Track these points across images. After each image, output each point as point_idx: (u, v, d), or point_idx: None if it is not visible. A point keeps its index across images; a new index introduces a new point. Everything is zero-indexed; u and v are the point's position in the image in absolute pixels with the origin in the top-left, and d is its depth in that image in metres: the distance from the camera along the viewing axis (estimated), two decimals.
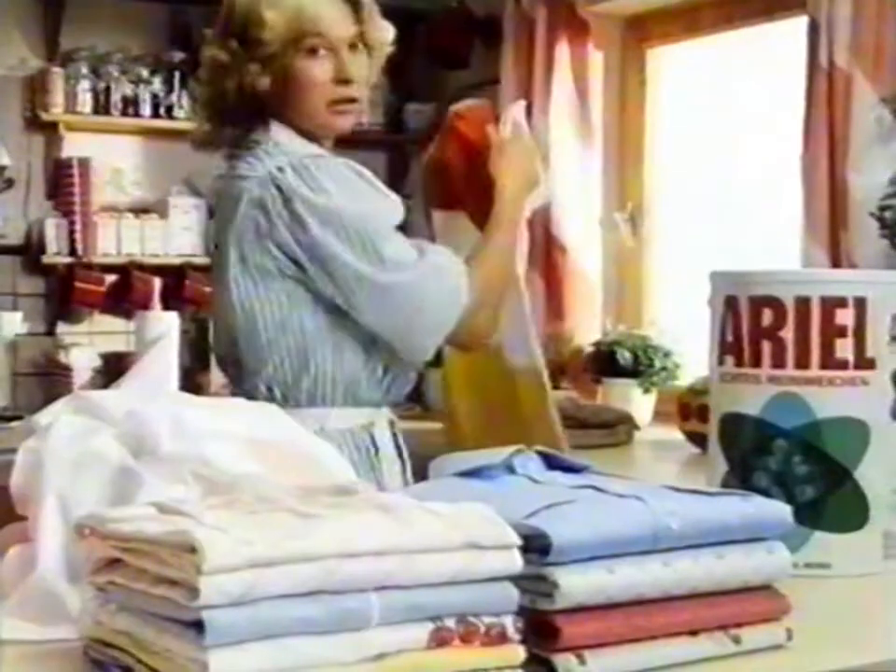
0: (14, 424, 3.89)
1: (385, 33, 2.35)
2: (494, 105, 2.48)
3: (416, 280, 2.18)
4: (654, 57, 4.62)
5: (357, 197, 2.19)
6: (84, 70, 4.95)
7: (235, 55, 2.27)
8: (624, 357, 3.94)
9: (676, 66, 4.59)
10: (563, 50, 4.49)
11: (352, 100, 2.28)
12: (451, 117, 2.41)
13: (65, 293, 4.98)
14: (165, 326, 3.43)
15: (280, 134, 2.28)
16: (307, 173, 2.17)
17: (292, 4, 2.22)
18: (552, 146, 4.44)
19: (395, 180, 5.27)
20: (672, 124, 4.57)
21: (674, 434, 3.42)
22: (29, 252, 4.99)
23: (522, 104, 2.51)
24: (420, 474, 2.05)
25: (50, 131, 4.97)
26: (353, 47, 2.26)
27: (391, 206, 2.24)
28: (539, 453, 1.47)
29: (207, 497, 1.38)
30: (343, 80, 2.23)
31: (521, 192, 2.44)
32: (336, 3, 2.24)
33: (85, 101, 4.94)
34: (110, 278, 5.02)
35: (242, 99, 2.29)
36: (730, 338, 1.74)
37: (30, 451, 1.53)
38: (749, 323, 1.72)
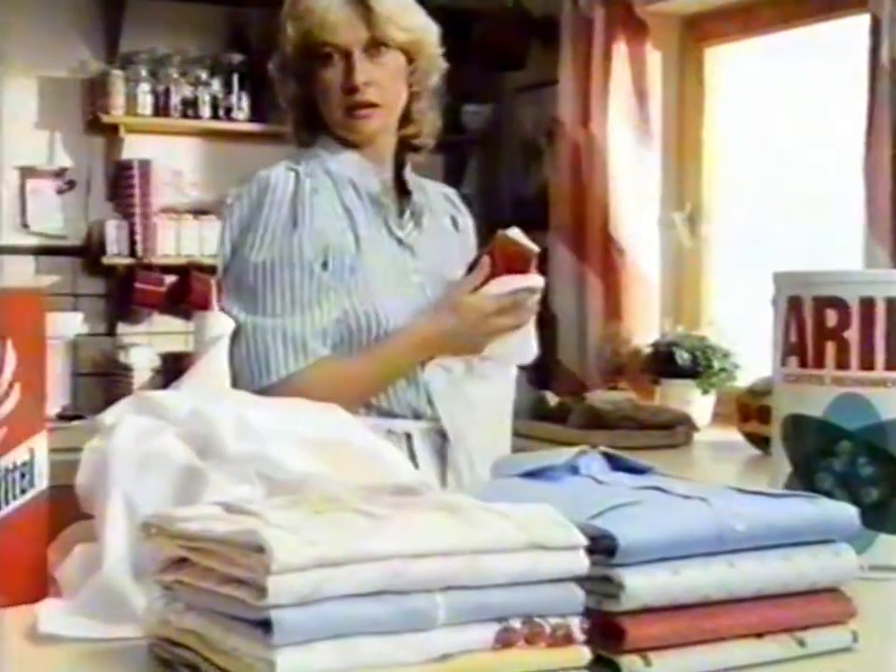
0: (75, 423, 3.92)
1: (412, 34, 2.30)
2: (532, 251, 2.23)
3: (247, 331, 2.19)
4: (713, 56, 4.60)
5: (256, 243, 2.21)
6: (144, 72, 4.99)
7: (277, 68, 2.35)
8: (683, 357, 3.92)
9: (734, 65, 4.56)
10: (621, 50, 4.48)
11: (370, 104, 2.26)
12: (497, 238, 2.28)
13: (125, 294, 5.02)
14: (223, 326, 3.44)
15: (321, 141, 2.33)
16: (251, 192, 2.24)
17: (304, 13, 2.25)
18: (610, 146, 4.43)
19: (452, 181, 5.28)
20: (731, 123, 4.54)
21: (733, 435, 3.40)
22: (89, 253, 5.03)
23: (540, 283, 2.29)
24: None
25: (111, 133, 5.01)
26: (370, 51, 2.25)
27: (289, 253, 2.21)
28: (603, 454, 1.47)
29: (272, 496, 1.39)
30: (349, 87, 2.23)
31: (447, 342, 2.26)
32: (345, 9, 2.23)
33: (145, 103, 4.97)
34: (169, 279, 5.06)
35: (291, 107, 2.35)
36: (794, 339, 1.73)
37: (94, 450, 1.54)
38: (813, 324, 1.70)
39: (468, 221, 2.52)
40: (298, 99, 2.32)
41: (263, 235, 2.21)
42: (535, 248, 2.23)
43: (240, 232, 2.23)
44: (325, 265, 2.21)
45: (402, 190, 2.38)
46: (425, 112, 2.40)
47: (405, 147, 2.39)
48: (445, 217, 2.46)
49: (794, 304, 1.73)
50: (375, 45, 2.24)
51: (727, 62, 4.58)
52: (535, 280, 2.24)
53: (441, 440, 2.28)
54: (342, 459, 1.49)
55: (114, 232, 4.98)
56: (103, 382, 4.98)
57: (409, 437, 2.24)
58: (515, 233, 2.23)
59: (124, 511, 1.45)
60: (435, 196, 2.47)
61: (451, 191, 2.55)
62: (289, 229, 2.20)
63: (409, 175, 2.40)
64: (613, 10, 4.49)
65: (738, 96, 4.53)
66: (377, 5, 2.23)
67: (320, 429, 1.53)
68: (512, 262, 2.22)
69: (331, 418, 1.60)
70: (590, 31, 4.55)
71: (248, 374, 2.16)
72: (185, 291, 5.05)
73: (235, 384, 2.15)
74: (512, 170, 5.27)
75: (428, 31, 2.35)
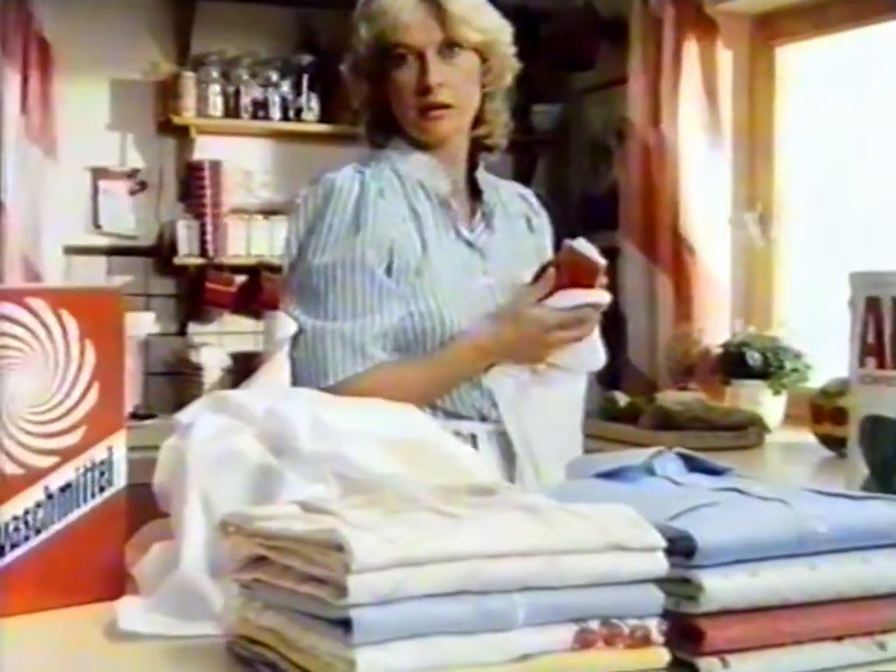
0: (147, 422, 3.96)
1: (486, 34, 2.28)
2: (595, 259, 2.18)
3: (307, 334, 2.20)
4: (784, 55, 4.56)
5: (319, 246, 2.23)
6: (214, 74, 5.02)
7: (350, 69, 2.34)
8: (754, 358, 3.89)
9: (806, 64, 4.52)
10: (691, 50, 4.45)
11: (443, 105, 2.25)
12: (563, 249, 2.24)
13: (196, 294, 5.06)
14: (294, 326, 3.46)
15: (393, 142, 2.33)
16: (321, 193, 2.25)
17: (377, 14, 2.24)
18: (680, 146, 4.41)
19: (521, 182, 5.26)
20: (802, 122, 4.50)
21: (805, 437, 3.37)
22: (161, 253, 5.07)
23: (605, 300, 2.23)
24: None
25: (182, 134, 5.04)
26: (444, 52, 2.24)
27: (351, 257, 2.21)
28: (679, 454, 1.46)
29: (347, 496, 1.40)
30: (422, 88, 2.22)
31: (506, 352, 2.24)
32: (419, 10, 2.22)
33: (215, 104, 5.01)
34: (240, 279, 5.09)
35: (364, 108, 2.36)
36: (871, 340, 1.71)
37: (172, 449, 1.56)
38: (892, 324, 1.68)
39: (543, 222, 2.50)
40: (370, 100, 2.32)
41: (326, 238, 2.22)
42: (601, 261, 2.19)
43: (305, 235, 2.25)
44: (389, 268, 2.21)
45: (474, 192, 2.37)
46: (498, 112, 2.38)
47: (478, 147, 2.38)
48: (520, 219, 2.44)
49: (872, 305, 1.71)
50: (449, 45, 2.23)
51: (798, 60, 4.55)
52: (600, 296, 2.20)
53: (506, 442, 2.27)
54: (418, 460, 1.49)
55: (185, 233, 5.01)
56: (173, 381, 5.01)
57: (474, 438, 2.24)
58: (582, 245, 2.18)
59: (201, 509, 1.46)
60: (509, 197, 2.45)
61: (527, 192, 2.53)
62: (352, 232, 2.21)
63: (482, 175, 2.39)
64: (683, 9, 4.47)
65: (809, 95, 4.49)
66: (451, 5, 2.22)
67: (396, 430, 1.54)
68: (578, 275, 2.18)
69: (407, 418, 1.60)
70: (660, 30, 4.53)
71: (307, 376, 2.17)
72: (255, 291, 5.07)
73: (294, 385, 2.16)
74: (581, 170, 5.26)
75: (502, 31, 2.33)
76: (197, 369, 4.89)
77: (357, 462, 1.46)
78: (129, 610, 1.40)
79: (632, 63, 4.65)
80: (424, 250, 2.25)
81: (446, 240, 2.29)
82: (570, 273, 2.18)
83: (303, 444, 1.49)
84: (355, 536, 1.06)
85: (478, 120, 2.35)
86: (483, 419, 2.26)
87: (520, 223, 2.44)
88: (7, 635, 1.40)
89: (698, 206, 4.41)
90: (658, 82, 4.54)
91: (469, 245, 2.31)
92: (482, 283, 2.29)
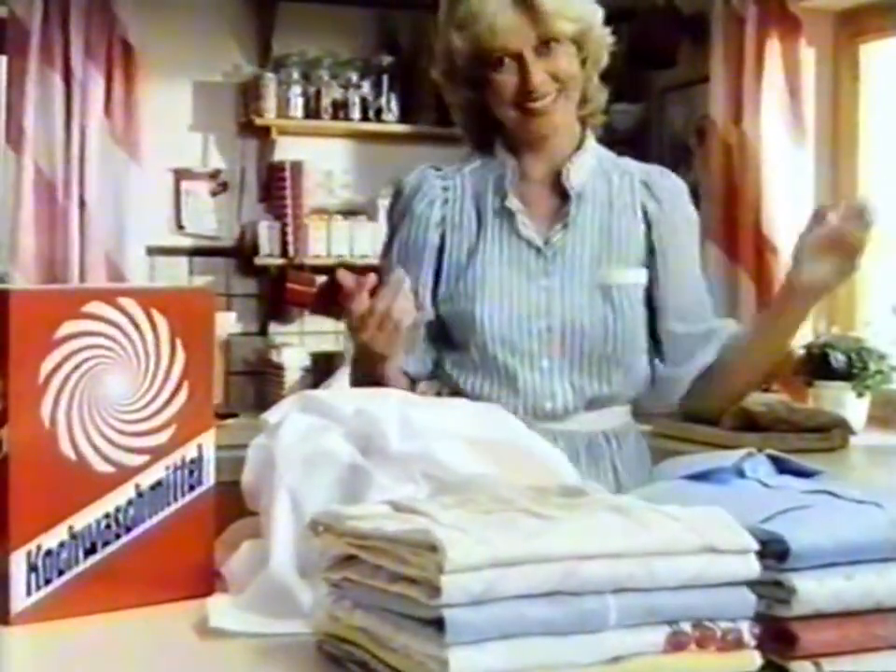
0: (229, 421, 3.99)
1: (580, 23, 2.23)
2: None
3: None
4: (868, 52, 4.51)
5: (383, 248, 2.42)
6: (295, 75, 5.05)
7: (444, 75, 2.32)
8: (837, 359, 3.85)
9: (890, 61, 4.47)
10: (773, 47, 4.42)
11: (547, 96, 2.21)
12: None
13: (277, 294, 5.09)
14: None
15: (497, 142, 2.33)
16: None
17: (469, 18, 2.21)
18: (763, 144, 4.37)
19: None
20: (887, 120, 4.45)
21: (890, 439, 3.34)
22: (242, 254, 5.11)
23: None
24: None
25: (263, 135, 5.08)
26: (541, 49, 2.20)
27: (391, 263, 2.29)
28: (769, 456, 1.45)
29: (437, 496, 1.40)
30: (526, 91, 2.19)
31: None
32: (513, 11, 2.18)
33: (296, 105, 5.04)
34: (320, 279, 5.11)
35: (464, 113, 2.35)
36: None
37: (261, 448, 1.57)
38: None
39: (665, 207, 2.35)
40: (470, 105, 2.31)
41: (386, 241, 2.37)
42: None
43: (386, 235, 2.38)
44: (438, 271, 2.28)
45: (563, 192, 2.31)
46: (599, 90, 2.35)
47: (584, 127, 2.35)
48: (626, 211, 2.33)
49: None
50: (545, 42, 2.20)
51: (882, 57, 4.49)
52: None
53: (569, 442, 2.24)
54: (506, 460, 1.49)
55: (266, 233, 5.05)
56: (255, 381, 5.05)
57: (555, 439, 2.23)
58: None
59: (290, 508, 1.47)
60: (623, 185, 2.35)
61: (654, 177, 2.39)
62: (400, 235, 2.31)
63: (589, 159, 2.33)
64: (766, 7, 4.43)
65: (894, 92, 4.43)
66: (543, 3, 2.18)
67: (484, 429, 1.54)
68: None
69: (494, 417, 1.60)
70: (742, 28, 4.50)
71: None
72: (335, 291, 5.09)
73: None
74: None
75: (594, 15, 2.28)
76: (278, 368, 4.92)
77: (445, 462, 1.47)
78: (219, 608, 1.41)
79: (713, 62, 4.62)
80: (472, 253, 2.26)
81: (504, 241, 2.27)
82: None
83: (392, 444, 1.49)
84: (448, 536, 1.06)
85: (583, 101, 2.32)
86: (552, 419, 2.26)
87: (626, 216, 2.32)
88: (97, 632, 1.42)
89: (781, 205, 4.37)
90: (740, 80, 4.50)
91: (532, 246, 2.28)
92: (540, 285, 2.25)
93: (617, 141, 5.34)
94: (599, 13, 2.30)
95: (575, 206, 2.29)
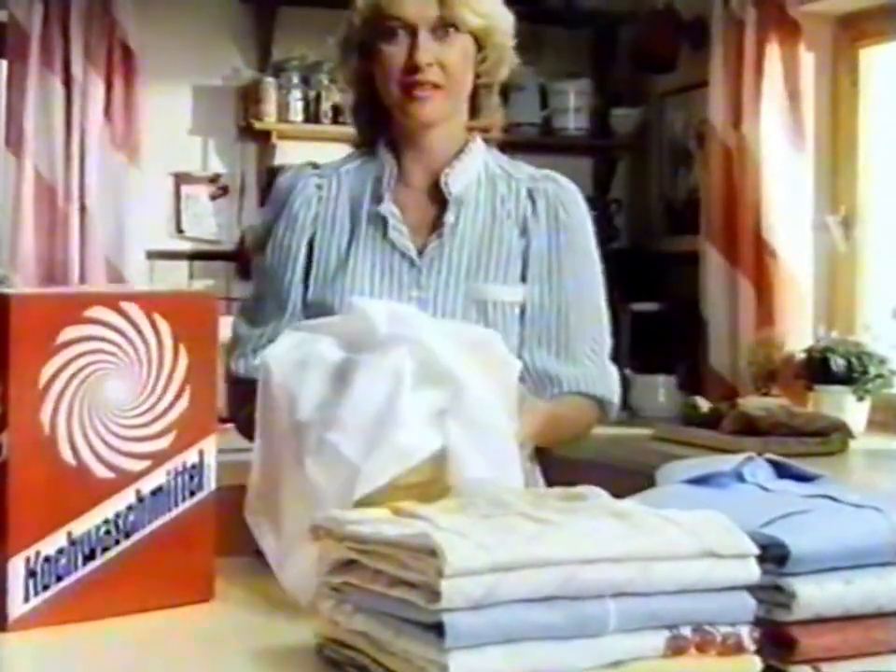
0: (229, 426, 3.98)
1: (485, 19, 2.11)
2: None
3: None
4: (867, 56, 4.51)
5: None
6: (295, 79, 5.04)
7: (340, 44, 2.22)
8: (837, 363, 3.85)
9: (890, 65, 4.47)
10: (773, 51, 4.41)
11: (431, 85, 2.08)
12: None
13: None
14: None
15: (379, 140, 2.20)
16: None
17: None
18: (762, 149, 4.37)
19: (601, 186, 5.27)
20: (886, 125, 4.45)
21: (891, 443, 3.35)
22: (242, 258, 5.10)
23: None
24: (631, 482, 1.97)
25: (263, 139, 5.07)
26: (438, 32, 2.08)
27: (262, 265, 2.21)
28: (769, 461, 1.45)
29: (423, 383, 1.47)
30: (411, 66, 2.06)
31: None
32: None
33: (296, 110, 5.03)
34: None
35: (351, 85, 2.22)
36: None
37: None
38: None
39: (541, 218, 2.16)
40: (358, 76, 2.18)
41: (260, 233, 2.25)
42: None
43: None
44: (307, 275, 2.14)
45: (443, 199, 2.15)
46: (498, 108, 2.23)
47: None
48: (508, 221, 2.16)
49: None
50: (444, 25, 2.08)
51: (882, 62, 4.49)
52: None
53: None
54: (487, 360, 1.56)
55: None
56: (255, 386, 5.04)
57: None
58: None
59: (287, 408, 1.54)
60: (509, 194, 2.18)
61: (538, 183, 2.19)
62: (274, 235, 2.18)
63: (483, 165, 2.18)
64: (765, 11, 4.43)
65: (893, 96, 4.44)
66: None
67: (469, 332, 1.64)
68: None
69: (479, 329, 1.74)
70: (741, 32, 4.50)
71: None
72: None
73: None
74: (662, 174, 5.23)
75: (503, 19, 2.17)
76: None
77: (432, 349, 1.51)
78: None
79: (713, 66, 4.61)
80: (342, 259, 2.13)
81: (376, 248, 2.13)
82: None
83: (380, 329, 1.54)
84: (448, 540, 1.06)
85: (474, 113, 2.19)
86: None
87: (507, 227, 2.15)
88: (97, 637, 1.42)
89: (780, 210, 4.37)
90: (739, 84, 4.50)
91: (405, 256, 2.12)
92: (412, 296, 2.09)
93: (616, 146, 5.37)
94: (509, 21, 2.19)
95: (453, 214, 2.13)
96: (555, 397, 2.09)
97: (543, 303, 2.13)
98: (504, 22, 2.17)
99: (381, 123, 2.18)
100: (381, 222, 2.13)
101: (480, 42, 2.13)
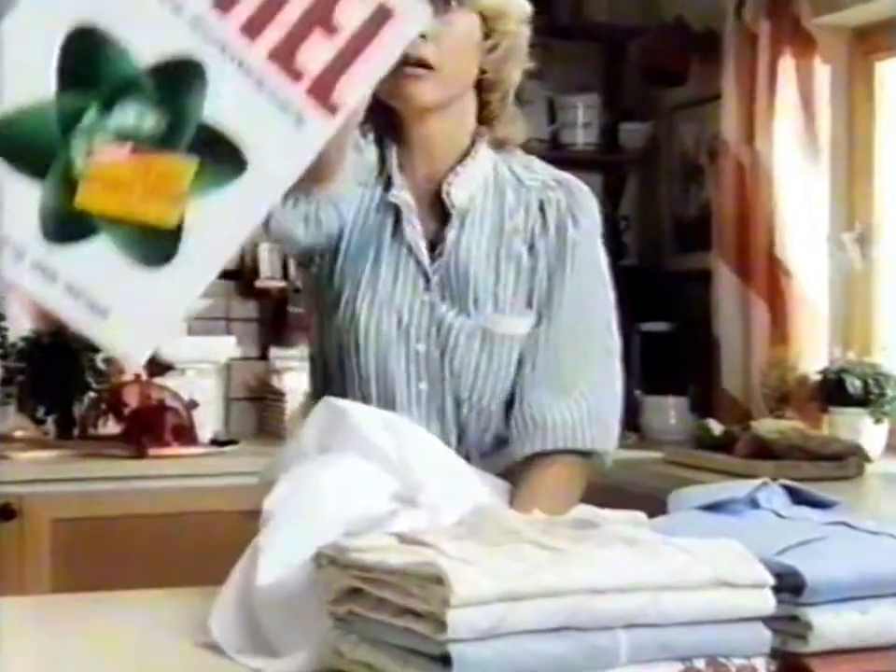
0: (227, 448, 3.89)
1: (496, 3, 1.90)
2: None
3: None
4: (883, 69, 4.45)
5: None
6: None
7: None
8: (854, 385, 3.78)
9: None
10: (787, 64, 4.35)
11: (425, 64, 1.84)
12: None
13: (278, 317, 5.02)
14: None
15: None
16: None
17: None
18: (776, 164, 4.30)
19: (610, 200, 5.19)
20: None
21: None
22: (243, 276, 5.04)
23: None
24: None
25: None
26: (440, 4, 1.80)
27: None
28: (784, 486, 1.39)
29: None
30: None
31: None
32: None
33: None
34: None
35: None
36: None
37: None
38: None
39: (551, 234, 1.99)
40: None
41: None
42: None
43: None
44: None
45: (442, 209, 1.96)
46: (513, 118, 2.06)
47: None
48: (517, 237, 1.98)
49: None
50: (446, 3, 1.85)
51: None
52: None
53: None
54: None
55: (267, 256, 4.98)
56: (256, 406, 4.97)
57: None
58: None
59: None
60: (518, 204, 2.00)
61: (551, 193, 2.01)
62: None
63: (492, 170, 1.99)
64: (779, 23, 4.37)
65: None
66: None
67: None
68: None
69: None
70: (755, 45, 4.44)
71: None
72: None
73: None
74: (673, 190, 5.17)
75: (518, 5, 1.95)
76: (279, 394, 4.83)
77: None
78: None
79: (725, 79, 4.55)
80: (370, 258, 1.94)
81: (397, 252, 1.94)
82: None
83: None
84: (454, 568, 1.03)
85: (489, 120, 2.01)
86: None
87: (516, 244, 1.98)
88: (95, 644, 1.39)
89: (795, 227, 4.31)
90: (752, 98, 4.44)
91: (419, 263, 1.93)
92: (424, 300, 1.93)
93: (626, 161, 5.31)
94: (526, 9, 1.97)
95: (456, 230, 1.95)
96: (543, 468, 1.89)
97: (540, 338, 1.94)
98: (518, 9, 1.95)
99: (381, 125, 1.96)
100: (393, 224, 1.94)
101: (489, 26, 1.91)
